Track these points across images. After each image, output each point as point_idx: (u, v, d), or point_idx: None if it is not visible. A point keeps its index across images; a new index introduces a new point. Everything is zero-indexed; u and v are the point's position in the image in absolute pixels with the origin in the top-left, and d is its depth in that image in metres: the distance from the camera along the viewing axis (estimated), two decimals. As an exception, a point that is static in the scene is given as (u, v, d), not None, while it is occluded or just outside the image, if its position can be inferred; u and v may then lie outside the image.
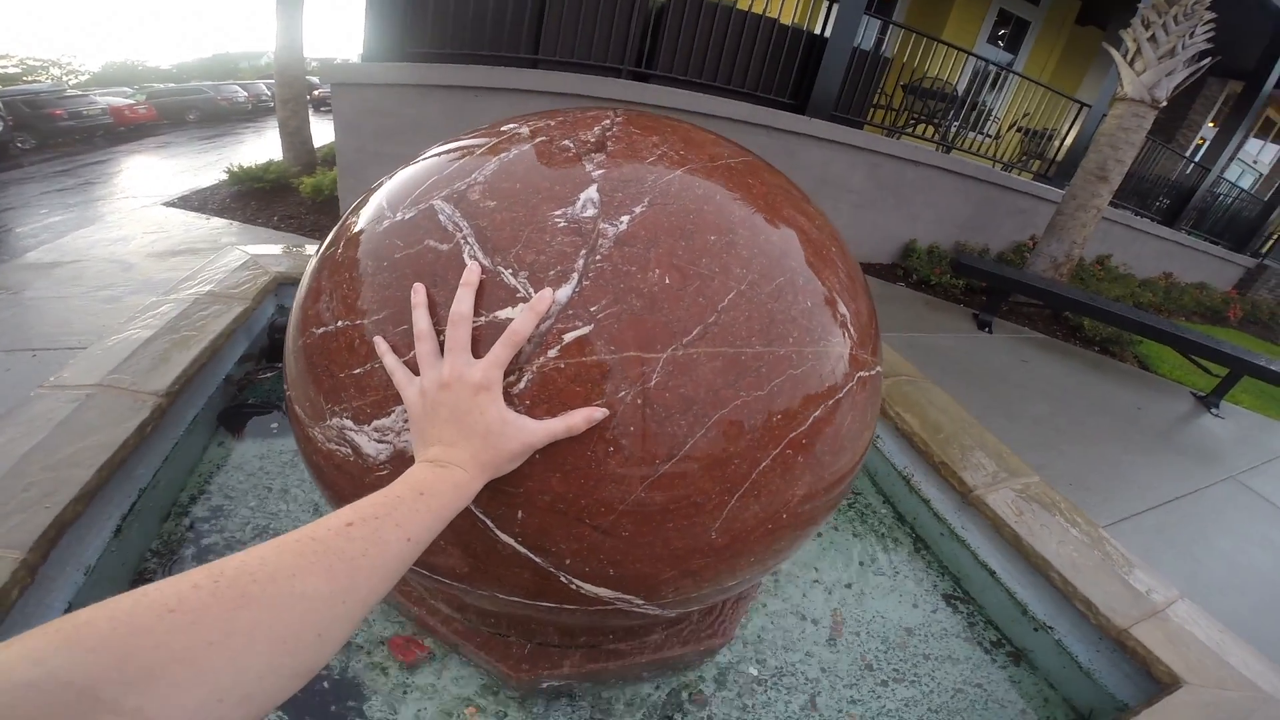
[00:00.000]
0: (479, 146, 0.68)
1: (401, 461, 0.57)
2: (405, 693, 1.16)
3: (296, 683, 0.36)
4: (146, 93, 20.35)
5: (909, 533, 1.84)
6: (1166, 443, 3.85)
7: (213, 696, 0.32)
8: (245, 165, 6.53)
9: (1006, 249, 7.04)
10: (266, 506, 1.55)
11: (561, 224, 0.57)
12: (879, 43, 5.93)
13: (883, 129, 6.34)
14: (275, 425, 1.77)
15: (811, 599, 1.56)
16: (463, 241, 0.56)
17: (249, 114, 21.98)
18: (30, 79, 25.58)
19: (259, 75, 32.76)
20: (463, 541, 0.59)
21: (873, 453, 2.04)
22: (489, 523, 0.57)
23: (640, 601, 0.67)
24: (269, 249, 2.38)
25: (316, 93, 18.06)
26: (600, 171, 0.61)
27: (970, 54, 6.50)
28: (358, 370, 0.58)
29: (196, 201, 6.16)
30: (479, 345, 0.54)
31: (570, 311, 0.54)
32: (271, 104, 23.32)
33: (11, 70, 25.98)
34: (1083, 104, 6.94)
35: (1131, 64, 4.94)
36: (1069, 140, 7.12)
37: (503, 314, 0.54)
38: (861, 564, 1.70)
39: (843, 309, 0.69)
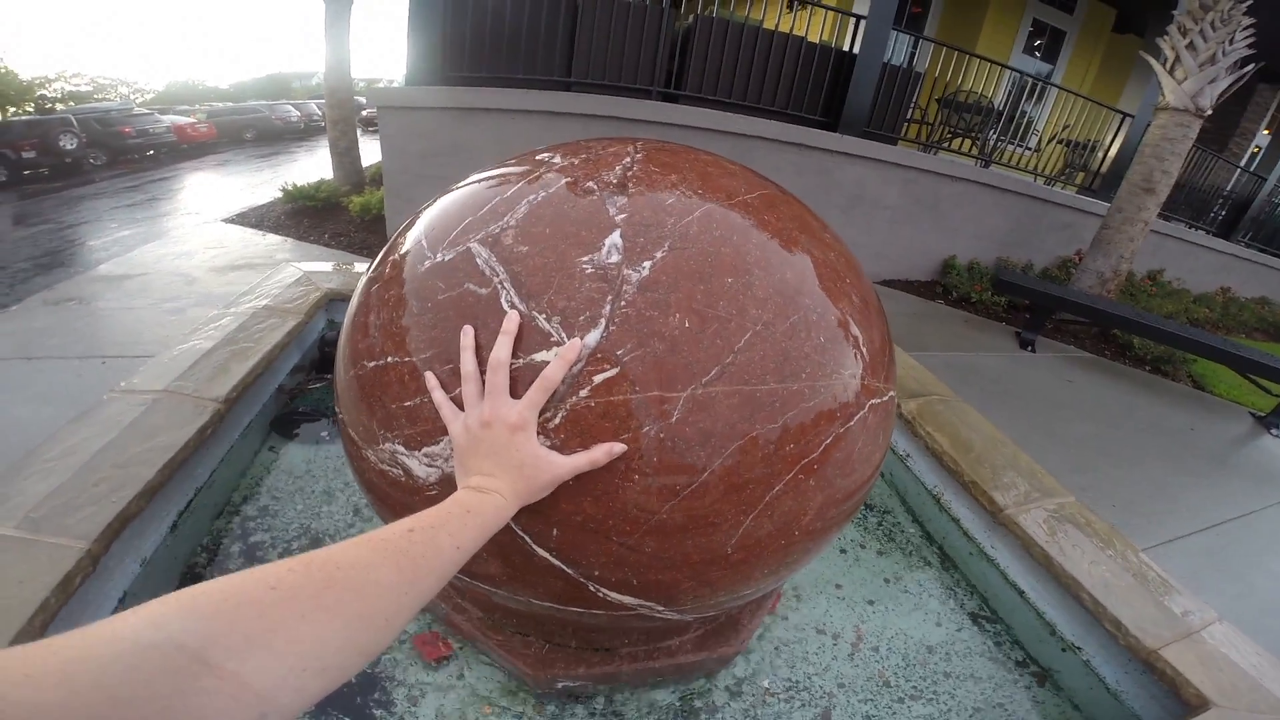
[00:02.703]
0: (510, 182, 0.75)
1: (448, 484, 0.64)
2: (426, 690, 1.22)
3: (363, 660, 0.41)
4: (207, 112, 21.41)
5: (937, 552, 1.82)
6: (1220, 464, 3.70)
7: (299, 665, 0.36)
8: (298, 184, 6.86)
9: (1051, 264, 6.86)
10: (311, 508, 1.64)
11: (589, 270, 0.63)
12: (910, 58, 5.89)
13: (918, 144, 6.28)
14: (325, 433, 1.89)
15: (833, 614, 1.56)
16: (500, 286, 0.63)
17: (302, 133, 22.83)
18: (100, 97, 26.85)
19: (310, 95, 34.05)
20: (503, 554, 0.66)
21: (902, 471, 2.04)
22: (527, 539, 0.63)
23: (660, 608, 0.72)
24: (321, 266, 2.53)
25: (365, 113, 18.73)
26: (623, 216, 0.67)
27: (1005, 66, 6.40)
28: (409, 403, 0.65)
29: (254, 218, 6.50)
30: (517, 386, 0.60)
31: (599, 355, 0.60)
32: (322, 123, 24.29)
33: (84, 89, 27.29)
34: (1125, 114, 6.75)
35: (1171, 72, 4.80)
36: (1112, 152, 6.92)
37: (538, 357, 0.60)
38: (886, 581, 1.69)
39: (856, 338, 0.73)
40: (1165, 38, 4.80)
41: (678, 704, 1.28)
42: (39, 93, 21.30)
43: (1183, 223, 7.88)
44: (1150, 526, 2.91)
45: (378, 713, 1.15)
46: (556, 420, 0.60)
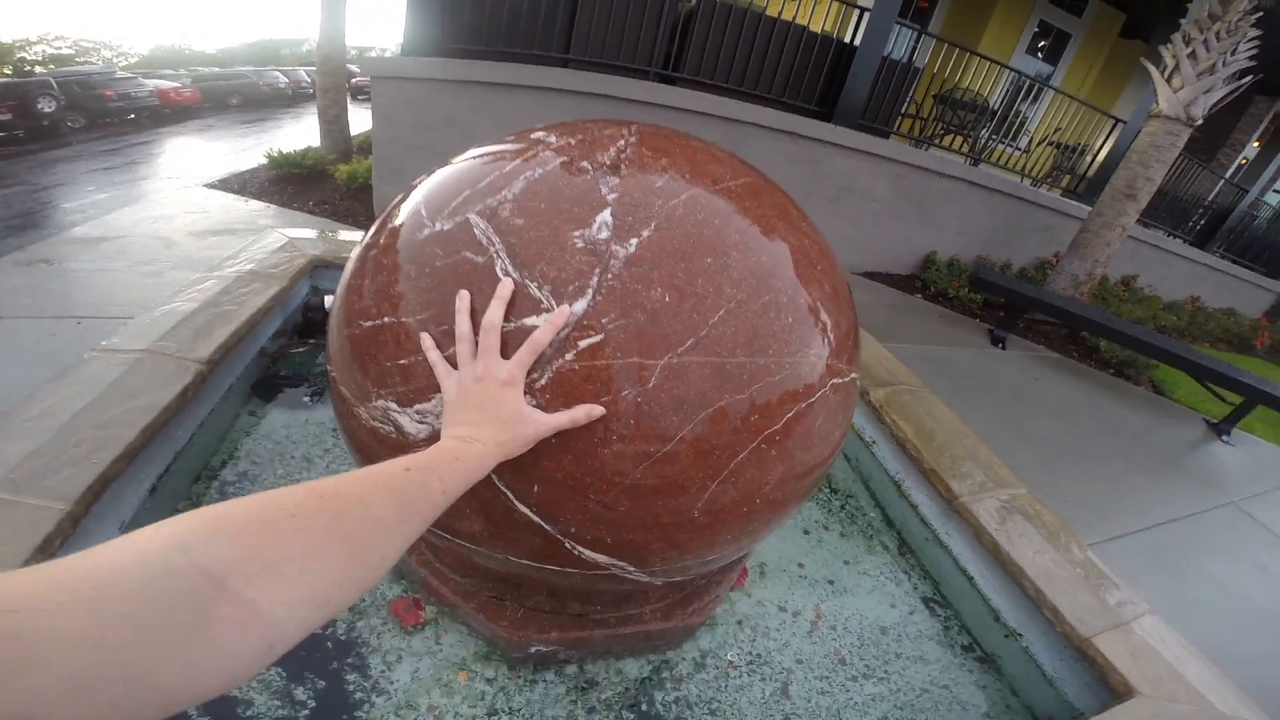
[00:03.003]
0: (508, 158, 0.78)
1: (437, 440, 0.67)
2: (402, 656, 1.25)
3: (357, 594, 0.42)
4: (192, 76, 20.72)
5: (895, 536, 1.91)
6: (1172, 466, 3.87)
7: (307, 595, 0.36)
8: (284, 150, 6.74)
9: (1029, 265, 7.01)
10: (290, 473, 1.67)
11: (580, 244, 0.67)
12: (911, 52, 5.94)
13: (910, 139, 6.35)
14: (307, 398, 1.91)
15: (795, 593, 1.63)
16: (495, 255, 0.67)
17: (290, 100, 22.32)
18: (82, 60, 25.99)
19: (300, 61, 33.10)
20: (485, 510, 0.70)
21: (867, 457, 2.11)
22: (510, 494, 0.68)
23: (631, 569, 0.77)
24: (306, 233, 2.52)
25: (355, 81, 18.33)
26: (614, 195, 0.72)
27: (1005, 66, 6.46)
28: (403, 361, 0.69)
29: (236, 184, 6.37)
30: (507, 347, 0.65)
31: (585, 322, 0.65)
32: (310, 91, 23.73)
33: (65, 51, 26.30)
34: (1117, 120, 6.88)
35: (1169, 80, 4.88)
36: (1101, 156, 7.06)
37: (529, 321, 0.65)
38: (846, 562, 1.77)
39: (823, 323, 0.79)
40: (1168, 45, 4.87)
41: (647, 673, 1.33)
42: (19, 55, 20.48)
43: (1162, 230, 8.07)
44: (1101, 522, 3.04)
45: (352, 677, 1.19)
46: (543, 381, 0.64)
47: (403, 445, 0.70)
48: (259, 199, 5.87)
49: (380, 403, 0.71)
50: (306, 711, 1.13)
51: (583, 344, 0.64)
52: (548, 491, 0.67)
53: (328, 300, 2.24)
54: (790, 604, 1.59)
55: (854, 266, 6.14)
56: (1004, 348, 5.04)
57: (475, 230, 0.69)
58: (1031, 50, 9.77)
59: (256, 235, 2.49)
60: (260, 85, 21.27)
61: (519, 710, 1.20)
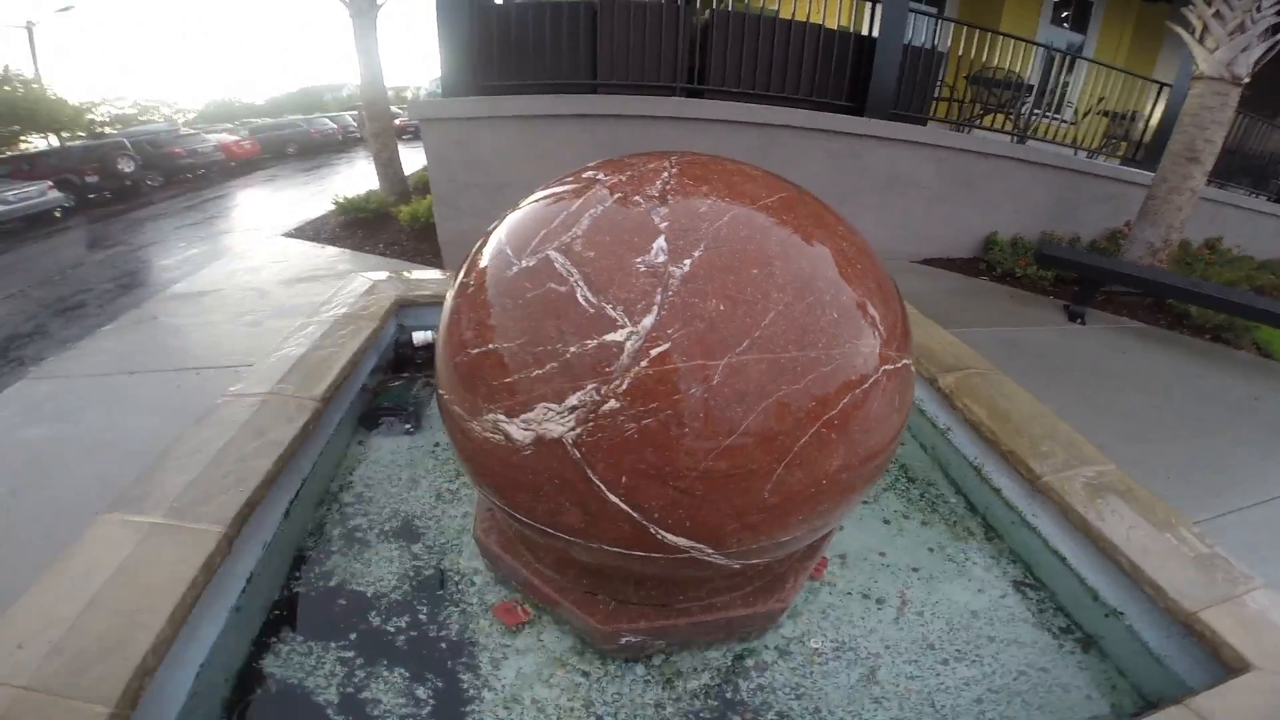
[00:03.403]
0: (571, 199, 0.91)
1: (539, 444, 0.80)
2: (507, 654, 1.38)
3: None
4: (249, 128, 21.99)
5: (980, 522, 1.89)
6: None
7: None
8: (349, 197, 7.21)
9: (1100, 236, 6.67)
10: (399, 493, 1.85)
11: (642, 269, 0.78)
12: (933, 37, 5.83)
13: (949, 123, 6.21)
14: (409, 425, 2.10)
15: (878, 580, 1.65)
16: (575, 285, 0.79)
17: (339, 145, 23.60)
18: (144, 119, 27.37)
19: (342, 106, 34.75)
20: (582, 502, 0.82)
21: (943, 445, 2.11)
22: (602, 486, 0.79)
23: (710, 550, 0.87)
24: (387, 276, 2.76)
25: (398, 122, 19.24)
26: (665, 224, 0.83)
27: (1030, 41, 6.28)
28: (508, 380, 0.82)
29: (311, 231, 6.87)
30: (594, 364, 0.76)
31: (654, 334, 0.76)
32: (357, 134, 25.05)
33: (129, 111, 27.80)
34: (1162, 84, 6.55)
35: (1202, 41, 4.67)
36: (1154, 121, 6.71)
37: (609, 337, 0.76)
38: (930, 550, 1.77)
39: (869, 315, 0.86)
40: (1191, 7, 4.67)
41: (730, 662, 1.40)
42: (87, 116, 22.26)
43: (1242, 190, 7.55)
44: (1207, 498, 2.86)
45: (465, 676, 1.32)
46: (624, 385, 0.76)
47: (511, 450, 0.82)
48: (333, 244, 6.31)
49: (490, 416, 0.83)
50: (428, 708, 1.26)
51: (654, 352, 0.75)
52: (635, 481, 0.77)
53: (416, 336, 2.45)
54: (874, 591, 1.62)
55: (911, 255, 6.02)
56: (1083, 323, 4.82)
57: (556, 265, 0.81)
58: (1056, 21, 9.43)
59: (342, 280, 2.75)
60: (312, 133, 22.51)
61: (612, 701, 1.29)
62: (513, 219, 0.94)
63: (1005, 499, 1.84)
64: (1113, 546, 1.50)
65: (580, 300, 0.78)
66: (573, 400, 0.77)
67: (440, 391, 0.98)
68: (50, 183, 12.19)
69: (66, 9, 24.60)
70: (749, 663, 1.41)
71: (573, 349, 0.77)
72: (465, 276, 0.96)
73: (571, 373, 0.77)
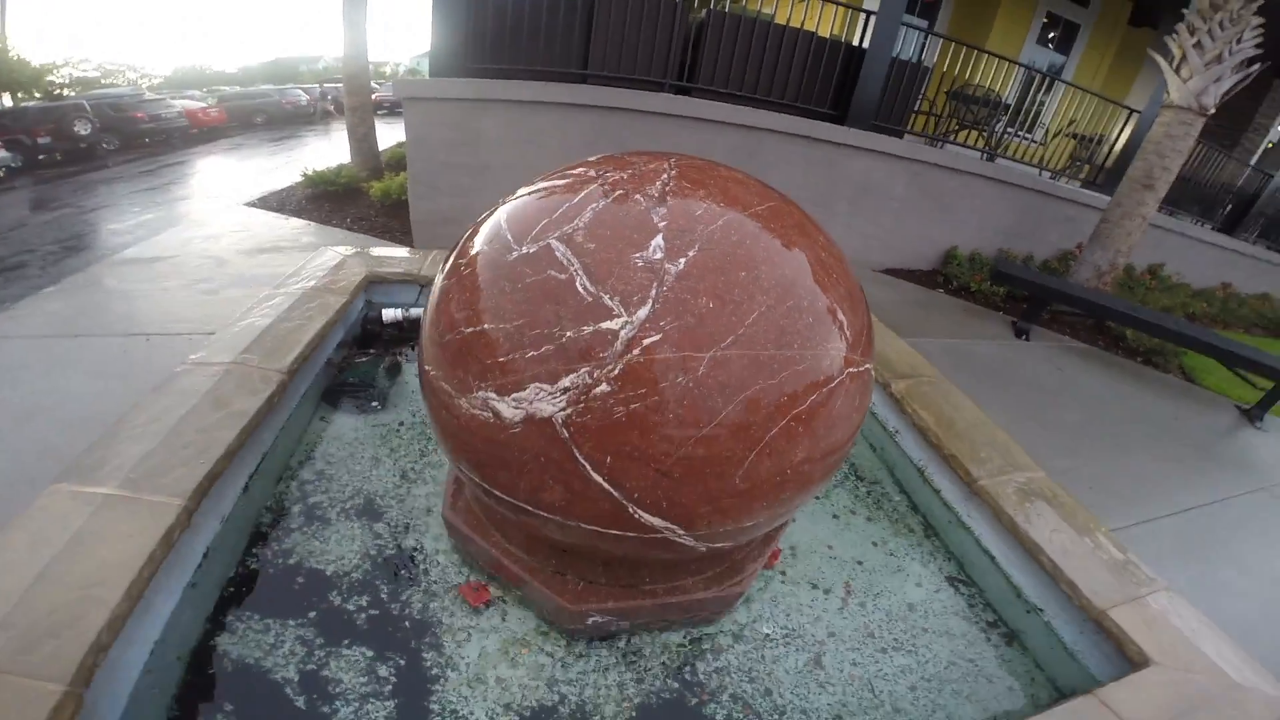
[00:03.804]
0: (573, 191, 0.95)
1: (529, 423, 0.84)
2: (471, 634, 1.41)
3: None
4: (216, 96, 21.23)
5: (921, 520, 2.02)
6: (1201, 453, 3.86)
7: None
8: (319, 169, 7.03)
9: (1052, 257, 7.00)
10: (362, 472, 1.85)
11: (640, 264, 0.84)
12: (920, 51, 6.01)
13: (925, 137, 6.41)
14: (375, 403, 2.09)
15: (825, 571, 1.75)
16: (575, 274, 0.84)
17: (310, 117, 22.85)
18: (108, 83, 26.32)
19: (317, 79, 33.71)
20: (566, 480, 0.86)
21: (891, 446, 2.23)
22: (588, 466, 0.84)
23: (681, 532, 0.93)
24: (358, 251, 2.73)
25: (375, 96, 18.74)
26: (664, 223, 0.88)
27: (1014, 62, 6.51)
28: (502, 359, 0.86)
29: (275, 202, 6.67)
30: (589, 348, 0.80)
31: (648, 325, 0.81)
32: (330, 107, 24.30)
33: (91, 74, 26.45)
34: (1132, 110, 6.86)
35: (1178, 70, 4.89)
36: (1119, 146, 7.04)
37: (604, 325, 0.81)
38: (874, 544, 1.89)
39: (839, 321, 0.94)
40: (1174, 36, 4.88)
41: (688, 645, 1.47)
42: (47, 78, 21.15)
43: (1189, 218, 7.99)
44: (1124, 508, 3.08)
45: (428, 655, 1.34)
46: (616, 371, 0.81)
47: (499, 428, 0.86)
48: (298, 216, 6.14)
49: (480, 393, 0.87)
50: (390, 686, 1.27)
51: (646, 342, 0.80)
52: (618, 462, 0.82)
53: (385, 313, 2.43)
54: (821, 582, 1.72)
55: (875, 264, 6.20)
56: (1028, 339, 5.08)
57: (556, 253, 0.86)
58: (1042, 41, 9.76)
59: (312, 253, 2.69)
60: (283, 104, 21.75)
61: (575, 680, 1.35)
62: (513, 206, 0.98)
63: (944, 500, 1.96)
64: (1036, 547, 1.62)
65: (579, 289, 0.82)
66: (565, 382, 0.81)
67: (426, 368, 1.01)
68: None
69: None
70: (706, 646, 1.47)
71: (569, 333, 0.82)
72: (459, 258, 1.00)
73: (566, 355, 0.82)
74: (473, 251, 0.96)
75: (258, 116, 20.77)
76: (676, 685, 1.38)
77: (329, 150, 14.48)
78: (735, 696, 1.37)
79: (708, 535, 0.96)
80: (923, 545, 1.93)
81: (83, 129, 14.07)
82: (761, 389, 0.82)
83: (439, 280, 1.03)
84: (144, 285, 4.36)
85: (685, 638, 1.49)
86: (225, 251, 5.03)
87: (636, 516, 0.88)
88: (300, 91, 23.34)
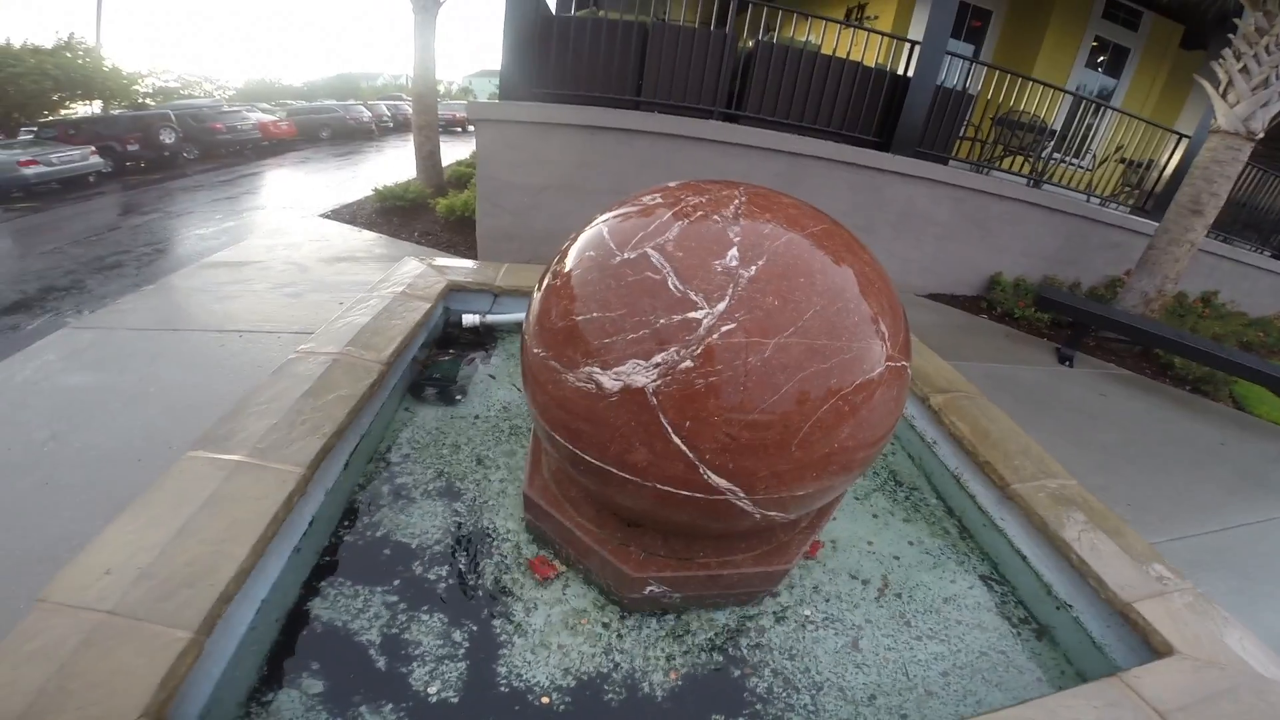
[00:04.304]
0: (663, 209, 1.17)
1: (625, 393, 1.04)
2: (537, 604, 1.55)
3: None
4: (286, 110, 22.22)
5: (956, 523, 2.13)
6: (1245, 477, 3.79)
7: None
8: (389, 185, 7.50)
9: (1100, 283, 6.94)
10: (443, 457, 2.06)
11: (719, 269, 1.05)
12: (965, 78, 6.12)
13: (970, 163, 6.47)
14: (459, 396, 2.33)
15: (864, 564, 1.86)
16: (667, 275, 1.06)
17: (372, 134, 24.06)
18: (186, 94, 27.57)
19: (376, 95, 35.24)
20: (650, 442, 1.06)
21: (929, 456, 2.36)
22: (670, 429, 1.04)
23: (742, 494, 1.11)
24: (445, 261, 3.01)
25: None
26: (738, 238, 1.09)
27: (1059, 89, 6.54)
28: (607, 340, 1.08)
29: (347, 215, 7.15)
30: (677, 333, 1.01)
31: (725, 316, 1.02)
32: (390, 125, 25.40)
33: (172, 84, 27.71)
34: (1181, 135, 6.79)
35: (1224, 95, 4.87)
36: (1168, 172, 6.96)
37: (690, 315, 1.02)
38: (910, 543, 1.99)
39: (880, 323, 1.12)
40: (1220, 61, 4.87)
41: (734, 624, 1.59)
42: (134, 87, 22.42)
43: (1247, 245, 7.80)
44: (1161, 524, 3.07)
45: (498, 622, 1.49)
46: (698, 350, 1.01)
47: (599, 397, 1.08)
48: (370, 229, 6.58)
49: (586, 369, 1.09)
50: (463, 649, 1.41)
51: (723, 329, 1.01)
52: (695, 426, 1.02)
53: (465, 318, 2.70)
54: (860, 573, 1.83)
55: (918, 289, 6.28)
56: (1071, 365, 5.07)
57: (652, 259, 1.08)
58: (1091, 64, 9.68)
59: (397, 263, 2.98)
60: (347, 119, 22.85)
61: (628, 649, 1.47)
62: (613, 222, 1.20)
63: (979, 504, 2.07)
64: (1065, 544, 1.70)
65: (670, 286, 1.04)
66: (657, 358, 1.02)
67: (535, 351, 1.23)
68: (93, 148, 12.51)
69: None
70: (749, 625, 1.58)
71: (661, 321, 1.03)
72: (563, 263, 1.23)
73: (659, 337, 1.03)
74: (579, 256, 1.19)
75: (323, 131, 21.78)
76: (720, 659, 1.49)
77: (389, 166, 15.18)
78: (776, 671, 1.48)
79: (764, 501, 1.14)
80: (958, 546, 2.02)
81: (167, 138, 14.88)
82: (815, 372, 1.02)
83: (547, 279, 1.26)
84: (234, 287, 4.76)
85: (730, 616, 1.60)
86: (306, 259, 5.45)
87: (706, 477, 1.07)
88: (363, 108, 24.49)
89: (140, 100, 21.95)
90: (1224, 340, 5.84)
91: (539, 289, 1.29)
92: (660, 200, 1.20)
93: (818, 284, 1.07)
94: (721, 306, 1.01)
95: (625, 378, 1.03)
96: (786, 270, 1.06)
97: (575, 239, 1.26)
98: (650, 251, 1.08)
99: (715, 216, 1.12)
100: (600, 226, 1.21)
